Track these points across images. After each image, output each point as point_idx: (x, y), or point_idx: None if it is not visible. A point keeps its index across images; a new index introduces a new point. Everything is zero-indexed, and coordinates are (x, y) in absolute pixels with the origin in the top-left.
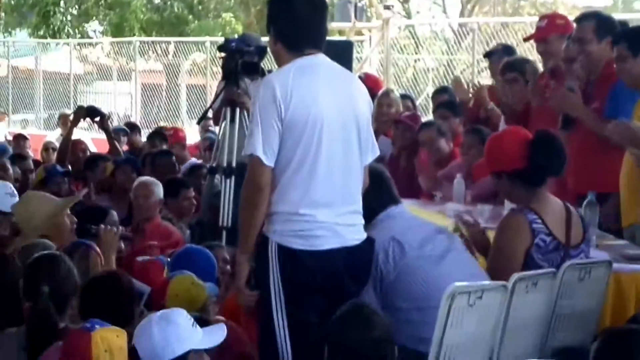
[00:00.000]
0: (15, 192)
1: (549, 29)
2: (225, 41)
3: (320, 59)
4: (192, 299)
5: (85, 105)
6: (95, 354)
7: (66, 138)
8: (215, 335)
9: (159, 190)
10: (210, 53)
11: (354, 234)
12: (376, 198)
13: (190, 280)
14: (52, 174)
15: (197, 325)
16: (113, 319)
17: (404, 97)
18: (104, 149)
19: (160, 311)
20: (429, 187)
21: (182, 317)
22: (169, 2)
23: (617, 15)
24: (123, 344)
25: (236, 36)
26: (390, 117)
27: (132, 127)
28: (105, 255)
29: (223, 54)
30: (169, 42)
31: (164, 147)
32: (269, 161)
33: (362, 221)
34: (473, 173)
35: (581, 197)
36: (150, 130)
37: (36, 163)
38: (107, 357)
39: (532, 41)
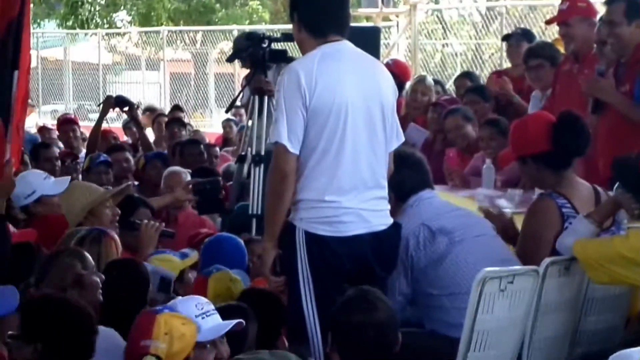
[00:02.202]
0: (49, 175)
1: (570, 12)
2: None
3: (345, 46)
4: (233, 296)
5: (114, 95)
6: (155, 333)
7: (96, 128)
8: (218, 329)
9: (188, 179)
10: None
11: (380, 219)
12: (411, 179)
13: (228, 277)
14: (95, 164)
15: (207, 317)
16: (128, 303)
17: (435, 82)
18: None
19: (177, 299)
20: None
21: (187, 307)
22: None
23: None
24: (187, 332)
25: (264, 24)
26: (423, 104)
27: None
28: (144, 249)
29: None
30: (196, 31)
31: (183, 132)
32: (294, 148)
33: (388, 206)
34: (498, 163)
35: (612, 181)
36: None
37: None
38: (166, 339)
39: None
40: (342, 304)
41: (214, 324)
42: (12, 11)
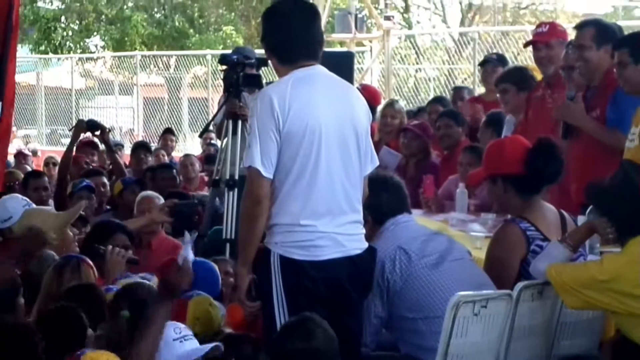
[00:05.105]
0: (31, 202)
1: (551, 34)
2: (226, 54)
3: (318, 70)
4: (212, 321)
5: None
6: None
7: (67, 152)
8: (195, 352)
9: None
10: (211, 66)
11: (356, 243)
12: (389, 202)
13: (208, 302)
14: (77, 189)
15: (185, 341)
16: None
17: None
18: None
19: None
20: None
21: (166, 331)
22: (169, 16)
23: (618, 23)
24: None
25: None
26: (394, 128)
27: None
28: (110, 274)
29: (224, 67)
30: (170, 56)
31: (150, 159)
32: (267, 173)
33: (363, 231)
34: (468, 179)
35: (584, 205)
36: (153, 144)
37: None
38: None
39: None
40: (282, 331)
41: (191, 348)
42: None
